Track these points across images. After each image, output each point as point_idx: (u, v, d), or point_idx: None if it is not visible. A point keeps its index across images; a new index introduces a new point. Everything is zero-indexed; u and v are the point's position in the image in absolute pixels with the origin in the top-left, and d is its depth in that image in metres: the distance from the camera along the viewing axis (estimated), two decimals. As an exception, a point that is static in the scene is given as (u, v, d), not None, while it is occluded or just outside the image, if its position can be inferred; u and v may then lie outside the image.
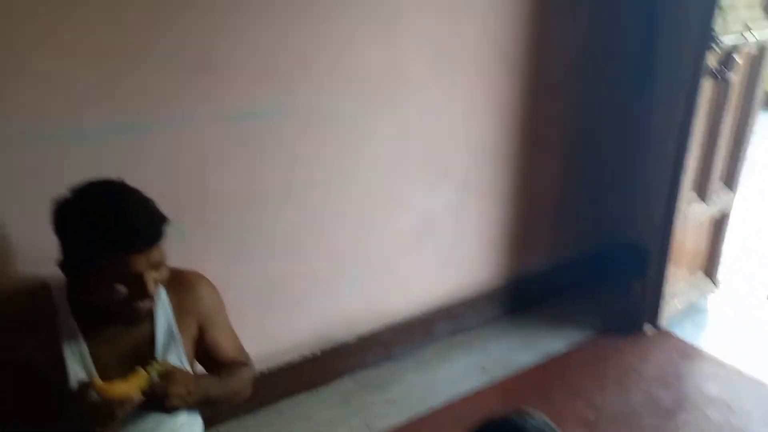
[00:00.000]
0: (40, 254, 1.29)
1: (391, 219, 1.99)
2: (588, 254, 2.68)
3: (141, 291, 1.07)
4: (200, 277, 1.32)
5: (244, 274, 1.70)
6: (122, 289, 1.06)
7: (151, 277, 1.08)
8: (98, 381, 1.05)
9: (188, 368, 1.26)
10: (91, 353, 1.14)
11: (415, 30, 1.81)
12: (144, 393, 1.07)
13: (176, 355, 1.23)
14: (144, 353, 1.20)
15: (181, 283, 1.26)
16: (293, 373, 1.92)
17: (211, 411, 1.33)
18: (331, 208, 1.82)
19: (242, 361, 1.36)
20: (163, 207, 1.11)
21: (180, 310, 1.25)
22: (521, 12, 2.02)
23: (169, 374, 1.11)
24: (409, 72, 1.84)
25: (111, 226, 1.02)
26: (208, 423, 1.40)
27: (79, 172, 1.17)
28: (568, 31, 2.19)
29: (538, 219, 2.44)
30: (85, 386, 1.04)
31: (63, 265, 1.08)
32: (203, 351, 1.32)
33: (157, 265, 1.10)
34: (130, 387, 1.06)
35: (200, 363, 1.34)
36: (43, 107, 1.27)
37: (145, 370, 1.08)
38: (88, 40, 1.28)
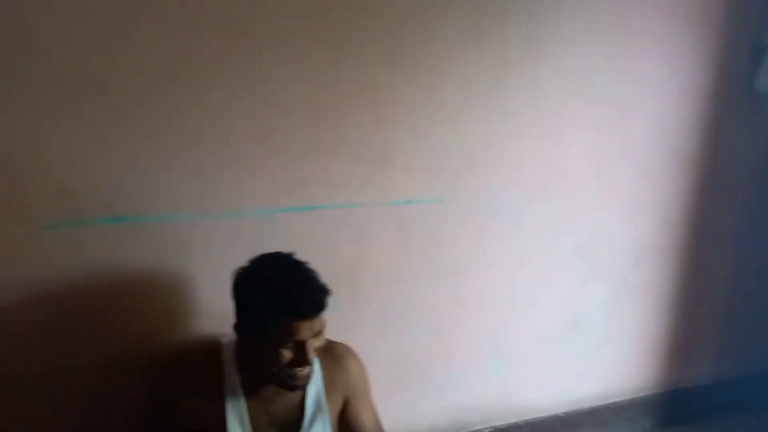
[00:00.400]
0: (219, 314, 1.47)
1: (536, 312, 1.94)
2: (762, 369, 2.35)
3: (302, 357, 1.17)
4: (350, 351, 1.42)
5: (387, 349, 1.75)
6: (287, 354, 1.16)
7: (311, 345, 1.18)
8: None
9: None
10: (249, 413, 1.25)
11: (579, 126, 1.83)
12: None
13: (322, 426, 1.30)
14: (294, 419, 1.29)
15: (332, 355, 1.35)
16: (425, 459, 1.89)
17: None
18: (474, 293, 1.83)
19: None
20: (324, 278, 1.22)
21: (329, 381, 1.34)
22: (696, 113, 1.98)
23: None
24: (568, 166, 1.85)
25: (283, 295, 1.14)
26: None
27: (258, 243, 1.34)
28: (747, 136, 2.08)
29: (704, 326, 2.23)
30: None
31: (237, 327, 1.22)
32: (345, 423, 1.38)
33: (318, 334, 1.20)
34: None
35: None
36: (252, 192, 1.48)
37: None
38: (292, 138, 1.48)
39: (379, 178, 1.59)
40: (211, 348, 1.31)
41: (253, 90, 1.41)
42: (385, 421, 1.80)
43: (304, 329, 1.15)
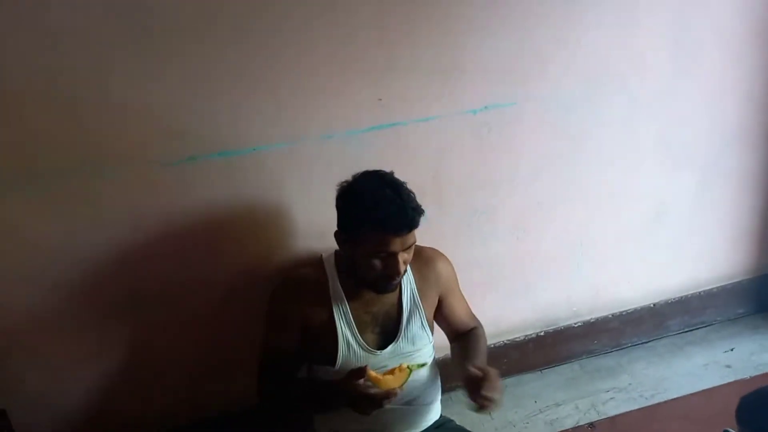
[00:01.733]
0: (317, 232, 1.60)
1: (621, 205, 1.95)
2: None
3: (393, 269, 1.28)
4: (438, 253, 1.51)
5: (474, 254, 1.83)
6: (378, 264, 1.27)
7: (402, 258, 1.28)
8: (372, 372, 1.23)
9: (428, 332, 1.45)
10: (352, 313, 1.38)
11: (653, 8, 1.74)
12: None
13: (419, 320, 1.43)
14: (393, 317, 1.41)
15: (423, 259, 1.46)
16: (518, 353, 2.00)
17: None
18: (557, 193, 1.86)
19: (477, 324, 1.53)
20: (412, 188, 1.30)
21: (422, 282, 1.45)
22: None
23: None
24: (644, 53, 1.79)
25: (378, 209, 1.23)
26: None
27: (349, 162, 1.43)
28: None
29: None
30: (359, 373, 1.23)
31: (337, 235, 1.34)
32: (443, 317, 1.51)
33: (409, 248, 1.29)
34: (396, 381, 1.24)
35: (440, 326, 1.53)
36: (337, 115, 1.56)
37: (408, 367, 1.27)
38: (367, 59, 1.53)
39: (453, 87, 1.62)
40: (314, 262, 1.45)
41: (326, 13, 1.46)
42: (478, 320, 1.93)
43: (396, 243, 1.25)
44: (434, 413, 1.51)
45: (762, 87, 1.93)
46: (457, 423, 1.55)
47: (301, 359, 1.46)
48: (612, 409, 1.81)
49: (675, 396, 1.83)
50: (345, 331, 1.37)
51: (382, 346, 1.40)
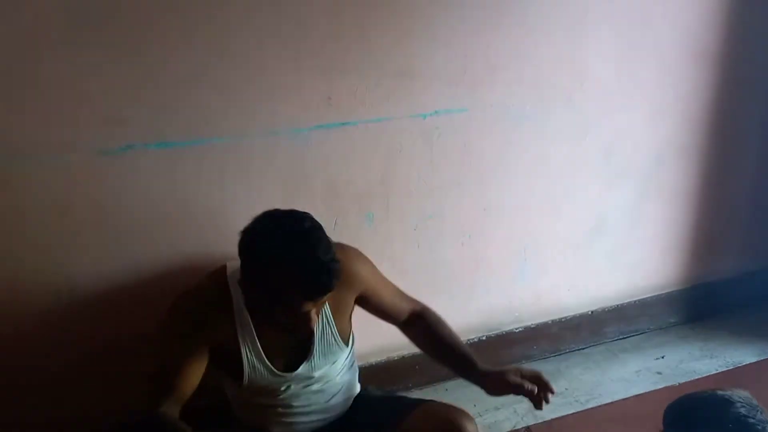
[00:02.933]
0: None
1: (563, 215, 2.00)
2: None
3: (304, 327, 1.20)
4: (349, 255, 1.35)
5: (420, 259, 1.84)
6: (288, 320, 1.18)
7: (316, 311, 1.18)
8: None
9: (341, 343, 1.36)
10: (259, 341, 1.27)
11: (601, 27, 1.81)
12: None
13: (332, 336, 1.34)
14: (304, 337, 1.31)
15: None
16: (460, 357, 2.02)
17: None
18: (503, 200, 1.89)
19: (422, 308, 1.49)
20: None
21: (335, 294, 1.26)
22: (719, 8, 1.94)
23: None
24: (590, 69, 1.85)
25: (300, 279, 1.11)
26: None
27: (294, 161, 1.40)
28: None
29: (729, 222, 2.26)
30: None
31: (243, 284, 1.20)
32: (374, 309, 1.45)
33: (323, 303, 1.21)
34: None
35: (379, 318, 1.47)
36: (284, 112, 1.53)
37: None
38: (317, 56, 1.51)
39: (404, 90, 1.62)
40: (217, 277, 1.29)
41: (278, 7, 1.43)
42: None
43: (310, 305, 1.16)
44: (351, 400, 1.48)
45: (697, 107, 2.03)
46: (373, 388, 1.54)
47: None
48: (549, 413, 1.84)
49: (609, 401, 1.89)
50: (251, 357, 1.28)
51: (293, 367, 1.32)
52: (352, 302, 1.41)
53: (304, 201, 1.61)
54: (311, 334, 1.29)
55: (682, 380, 1.97)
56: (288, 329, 1.22)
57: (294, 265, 1.11)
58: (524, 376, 1.33)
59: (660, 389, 1.92)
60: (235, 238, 1.55)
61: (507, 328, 2.07)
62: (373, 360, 1.89)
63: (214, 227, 1.56)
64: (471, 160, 1.80)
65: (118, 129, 1.39)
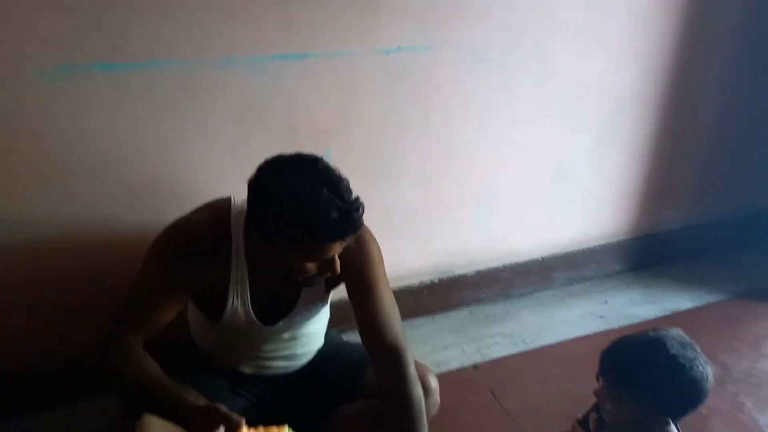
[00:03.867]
0: (216, 164, 1.48)
1: (523, 161, 2.00)
2: (733, 217, 2.51)
3: (330, 269, 1.12)
4: (368, 236, 1.29)
5: (378, 199, 1.81)
6: (312, 267, 1.10)
7: (339, 255, 1.11)
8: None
9: (324, 300, 1.32)
10: (250, 290, 1.21)
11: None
12: None
13: (319, 297, 1.30)
14: (292, 292, 1.26)
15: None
16: (412, 298, 2.04)
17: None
18: (464, 143, 1.87)
19: (406, 366, 1.24)
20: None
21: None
22: None
23: None
24: (559, 12, 1.82)
25: (322, 219, 1.02)
26: (333, 325, 1.56)
27: (251, 92, 1.33)
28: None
29: (683, 174, 2.32)
30: (227, 422, 1.00)
31: (253, 233, 1.10)
32: (365, 313, 1.27)
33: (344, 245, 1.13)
34: None
35: (361, 327, 1.28)
36: (242, 38, 1.44)
37: None
38: None
39: (367, 22, 1.55)
40: (219, 211, 1.19)
41: None
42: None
43: (335, 248, 1.08)
44: (317, 347, 1.46)
45: (661, 56, 2.04)
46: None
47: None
48: (495, 353, 1.91)
49: (553, 342, 1.96)
50: (236, 304, 1.22)
51: (273, 320, 1.27)
52: (347, 281, 1.29)
53: (261, 134, 1.56)
54: (298, 291, 1.25)
55: (623, 324, 2.06)
56: (309, 279, 1.14)
57: (320, 204, 1.01)
58: None
59: (601, 332, 2.01)
60: (186, 172, 1.52)
61: (460, 272, 2.10)
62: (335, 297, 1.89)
63: (164, 160, 1.50)
64: (433, 101, 1.76)
65: (61, 50, 1.29)
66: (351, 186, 1.08)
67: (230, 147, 1.53)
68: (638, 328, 1.99)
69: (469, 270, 2.11)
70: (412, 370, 1.25)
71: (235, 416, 1.00)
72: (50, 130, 1.35)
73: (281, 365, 1.40)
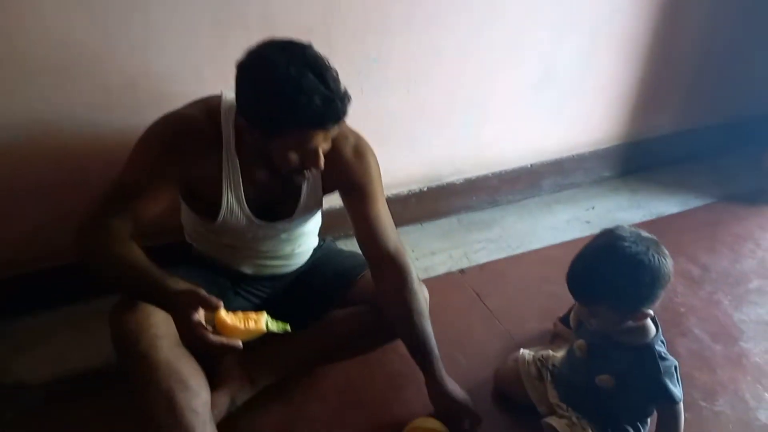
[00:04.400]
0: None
1: (512, 64, 1.94)
2: (722, 123, 2.49)
3: (312, 163, 1.11)
4: (366, 146, 1.31)
5: (363, 104, 1.74)
6: (294, 158, 1.10)
7: (324, 150, 1.11)
8: (222, 314, 1.01)
9: (320, 205, 1.34)
10: (244, 185, 1.22)
11: None
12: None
13: (316, 197, 1.31)
14: (292, 192, 1.27)
15: (346, 147, 1.25)
16: (401, 206, 2.04)
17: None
18: (451, 46, 1.80)
19: (403, 264, 1.30)
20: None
21: (329, 174, 1.23)
22: None
23: None
24: None
25: (306, 104, 1.01)
26: (325, 232, 1.57)
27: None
28: None
29: (673, 79, 2.27)
30: (206, 304, 1.01)
31: (242, 122, 1.09)
32: (362, 220, 1.30)
33: (330, 139, 1.12)
34: (244, 335, 1.03)
35: (358, 236, 1.32)
36: None
37: (267, 326, 1.06)
38: None
39: None
40: (210, 107, 1.18)
41: None
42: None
43: (318, 138, 1.07)
44: (311, 251, 1.51)
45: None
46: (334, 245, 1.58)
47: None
48: (482, 258, 1.94)
49: (538, 246, 2.00)
50: (231, 201, 1.22)
51: (272, 219, 1.29)
52: (340, 188, 1.30)
53: (238, 35, 1.48)
54: (297, 195, 1.26)
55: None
56: (293, 173, 1.14)
57: (305, 89, 1.00)
58: (466, 414, 1.30)
59: (586, 237, 2.02)
60: (163, 75, 1.46)
61: (448, 180, 2.09)
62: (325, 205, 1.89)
63: (137, 64, 1.43)
64: (421, 1, 1.67)
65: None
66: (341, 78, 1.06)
67: (207, 48, 1.47)
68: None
69: (457, 178, 2.10)
70: (415, 276, 1.32)
71: (213, 299, 1.01)
72: (19, 32, 1.29)
73: (280, 264, 1.44)
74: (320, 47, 1.57)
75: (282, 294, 1.48)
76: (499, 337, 1.62)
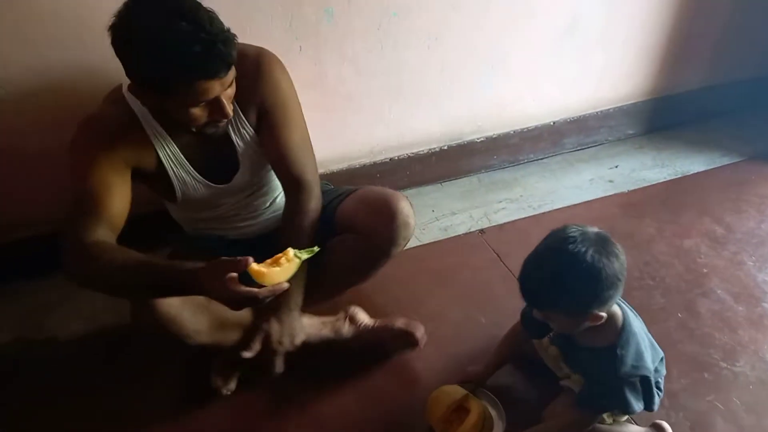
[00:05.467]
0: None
1: (536, 17, 1.87)
2: (751, 78, 2.40)
3: (219, 114, 1.07)
4: (266, 58, 1.21)
5: (382, 60, 1.73)
6: (198, 112, 1.06)
7: (226, 97, 1.07)
8: (255, 266, 0.97)
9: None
10: (181, 152, 1.19)
11: None
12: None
13: (255, 144, 1.26)
14: (229, 143, 1.23)
15: (247, 68, 1.15)
16: (420, 165, 2.03)
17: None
18: (473, -1, 1.75)
19: (307, 189, 1.29)
20: (210, 10, 1.00)
21: (247, 96, 1.19)
22: None
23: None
24: None
25: (183, 53, 0.95)
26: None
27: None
28: None
29: (703, 32, 2.18)
30: (234, 266, 0.97)
31: (134, 90, 1.05)
32: (272, 151, 1.25)
33: (230, 85, 1.07)
34: (284, 273, 1.01)
35: (270, 163, 1.31)
36: None
37: (297, 256, 1.03)
38: None
39: None
40: (115, 99, 1.14)
41: None
42: (380, 131, 1.89)
43: (214, 87, 1.02)
44: None
45: None
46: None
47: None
48: (502, 218, 1.93)
49: (560, 206, 1.98)
50: (178, 171, 1.21)
51: (227, 178, 1.27)
52: (259, 113, 1.24)
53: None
54: (231, 143, 1.22)
55: (632, 188, 2.05)
56: (205, 127, 1.10)
57: (178, 38, 0.95)
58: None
59: (610, 196, 2.01)
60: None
61: (468, 138, 2.06)
62: (334, 168, 1.89)
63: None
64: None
65: None
66: (223, 21, 1.00)
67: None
68: (648, 191, 2.03)
69: (478, 136, 2.07)
70: (313, 205, 1.29)
71: (240, 259, 0.96)
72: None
73: (262, 220, 1.42)
74: (339, 1, 1.56)
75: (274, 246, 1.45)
76: (519, 297, 1.60)
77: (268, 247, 1.20)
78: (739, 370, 1.42)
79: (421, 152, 2.01)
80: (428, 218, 1.95)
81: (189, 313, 1.16)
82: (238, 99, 1.15)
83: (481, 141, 2.08)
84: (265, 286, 0.97)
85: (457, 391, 1.29)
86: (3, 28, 1.31)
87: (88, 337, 1.51)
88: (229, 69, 1.02)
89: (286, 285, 1.01)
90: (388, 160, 1.97)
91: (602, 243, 1.04)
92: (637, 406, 1.13)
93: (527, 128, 2.13)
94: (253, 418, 1.34)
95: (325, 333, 1.40)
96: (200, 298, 1.14)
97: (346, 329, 1.43)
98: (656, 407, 1.17)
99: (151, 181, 1.21)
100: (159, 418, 1.33)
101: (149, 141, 1.15)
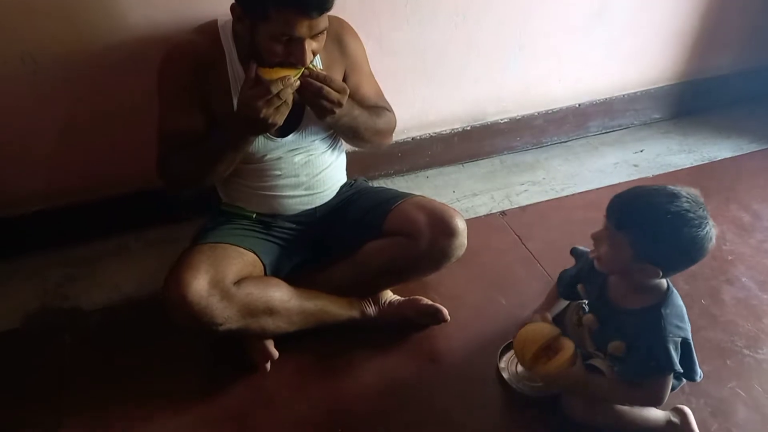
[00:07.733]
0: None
1: (565, -2, 1.84)
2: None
3: (297, 57, 1.11)
4: (346, 26, 1.37)
5: (409, 39, 1.72)
6: (280, 50, 1.11)
7: (310, 46, 1.12)
8: (261, 68, 1.10)
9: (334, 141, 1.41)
10: None
11: None
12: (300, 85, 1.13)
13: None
14: (297, 99, 1.21)
15: (329, 33, 1.22)
16: (442, 145, 2.02)
17: (356, 143, 1.43)
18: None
19: (385, 107, 1.43)
20: None
21: (329, 61, 1.32)
22: None
23: (328, 78, 1.16)
24: None
25: None
26: (362, 173, 1.56)
27: None
28: None
29: (738, 15, 2.12)
30: (252, 74, 1.10)
31: (234, 9, 1.13)
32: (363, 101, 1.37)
33: (318, 36, 1.13)
34: (286, 72, 1.10)
35: None
36: None
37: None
38: None
39: None
40: (208, 29, 1.26)
41: None
42: (402, 109, 1.85)
43: (303, 26, 1.08)
44: (338, 185, 1.51)
45: None
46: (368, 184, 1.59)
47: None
48: (524, 200, 1.92)
49: (583, 190, 1.95)
50: None
51: (284, 133, 1.32)
52: (342, 75, 1.36)
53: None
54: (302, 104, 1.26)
55: (657, 173, 2.02)
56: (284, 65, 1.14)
57: None
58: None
59: (634, 180, 1.98)
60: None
61: (492, 119, 2.04)
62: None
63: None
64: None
65: None
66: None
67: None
68: (673, 177, 1.99)
69: (501, 117, 2.05)
70: (391, 117, 1.43)
71: (251, 66, 1.11)
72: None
73: (303, 194, 1.43)
74: (366, -23, 1.54)
75: (316, 228, 1.48)
76: (540, 279, 1.61)
77: (299, 236, 1.35)
78: (762, 358, 1.40)
79: (444, 132, 1.99)
80: (449, 198, 1.94)
81: (216, 300, 1.21)
82: (326, 65, 1.29)
83: (505, 122, 2.05)
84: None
85: (546, 329, 1.26)
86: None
87: (112, 307, 1.54)
88: (321, 13, 1.09)
89: (291, 78, 1.10)
90: (410, 139, 1.96)
91: (713, 228, 1.05)
92: (677, 365, 1.10)
93: (552, 110, 2.10)
94: (272, 391, 1.35)
95: (353, 314, 1.44)
96: (226, 285, 1.22)
97: (372, 308, 1.45)
98: (698, 377, 1.15)
99: (215, 116, 1.27)
100: (185, 389, 1.36)
101: (226, 76, 1.24)
